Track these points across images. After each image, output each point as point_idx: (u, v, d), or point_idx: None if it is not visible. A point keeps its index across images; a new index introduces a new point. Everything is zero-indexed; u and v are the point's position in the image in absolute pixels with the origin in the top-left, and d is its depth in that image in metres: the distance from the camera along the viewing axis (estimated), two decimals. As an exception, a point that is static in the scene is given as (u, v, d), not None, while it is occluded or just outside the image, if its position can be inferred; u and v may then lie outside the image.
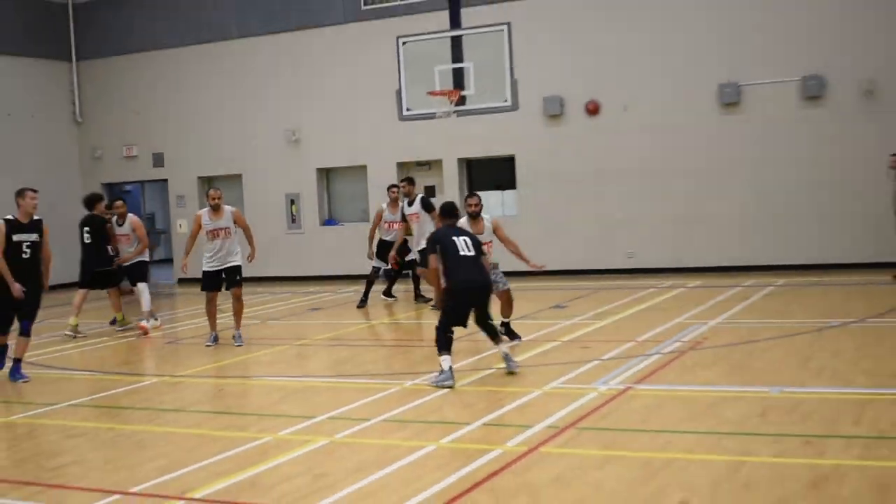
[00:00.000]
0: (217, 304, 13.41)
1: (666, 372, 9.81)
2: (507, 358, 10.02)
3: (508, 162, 21.16)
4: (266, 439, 7.96)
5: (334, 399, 9.38)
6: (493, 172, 21.88)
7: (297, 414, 8.86)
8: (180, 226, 24.11)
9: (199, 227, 13.15)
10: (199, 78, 23.93)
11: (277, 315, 16.64)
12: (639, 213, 19.82)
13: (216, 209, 13.09)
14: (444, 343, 9.78)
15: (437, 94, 15.01)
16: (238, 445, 7.77)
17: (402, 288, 18.09)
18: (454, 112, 15.38)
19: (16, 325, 11.25)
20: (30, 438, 8.67)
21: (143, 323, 14.96)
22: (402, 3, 21.57)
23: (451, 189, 20.87)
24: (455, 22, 16.83)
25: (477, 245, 10.13)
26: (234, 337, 13.18)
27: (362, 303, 16.77)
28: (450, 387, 9.48)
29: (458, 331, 10.09)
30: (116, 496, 6.64)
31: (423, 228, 15.26)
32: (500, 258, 12.24)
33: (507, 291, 11.84)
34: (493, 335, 10.21)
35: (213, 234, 13.05)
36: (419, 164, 21.99)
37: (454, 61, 15.23)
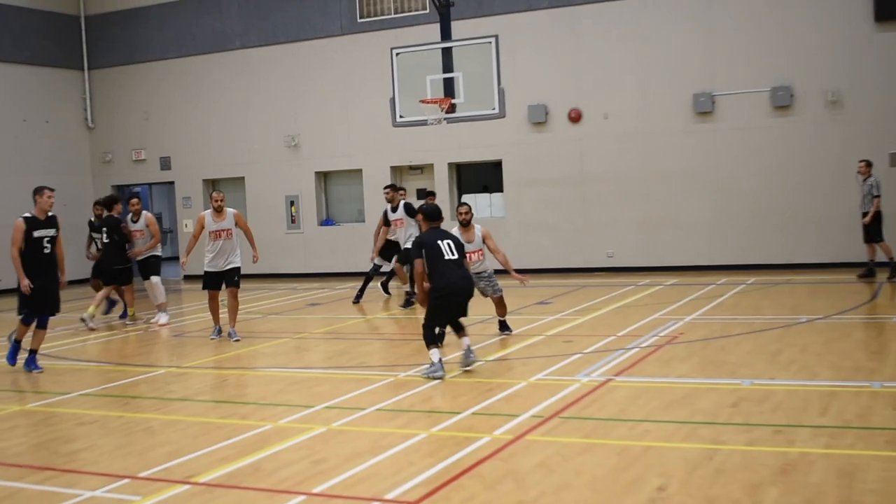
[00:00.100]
0: (219, 301, 13.39)
1: (644, 365, 9.82)
2: (467, 351, 9.88)
3: (496, 166, 21.16)
4: (267, 427, 7.94)
5: (331, 389, 9.37)
6: (482, 176, 21.92)
7: (297, 403, 8.84)
8: (186, 225, 24.04)
9: (202, 227, 13.08)
10: (204, 86, 23.86)
11: (278, 310, 16.60)
12: (618, 215, 19.85)
13: (219, 211, 13.05)
14: (431, 338, 9.75)
15: (428, 101, 14.95)
16: (241, 433, 7.75)
17: (394, 285, 18.06)
18: (444, 119, 15.32)
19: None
20: (44, 426, 8.63)
21: (162, 320, 15.10)
22: (396, 16, 21.59)
23: (441, 192, 20.83)
24: (446, 34, 16.80)
25: (460, 248, 10.04)
26: (229, 334, 13.03)
27: (357, 298, 16.75)
28: (440, 378, 9.47)
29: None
30: (126, 480, 6.62)
31: (408, 232, 15.40)
32: (489, 260, 12.23)
33: (501, 298, 11.94)
34: (459, 329, 10.07)
35: (216, 234, 12.99)
36: (412, 167, 21.98)
37: (445, 71, 15.16)
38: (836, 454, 6.39)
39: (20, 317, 11.23)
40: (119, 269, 15.10)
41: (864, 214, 16.19)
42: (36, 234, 10.96)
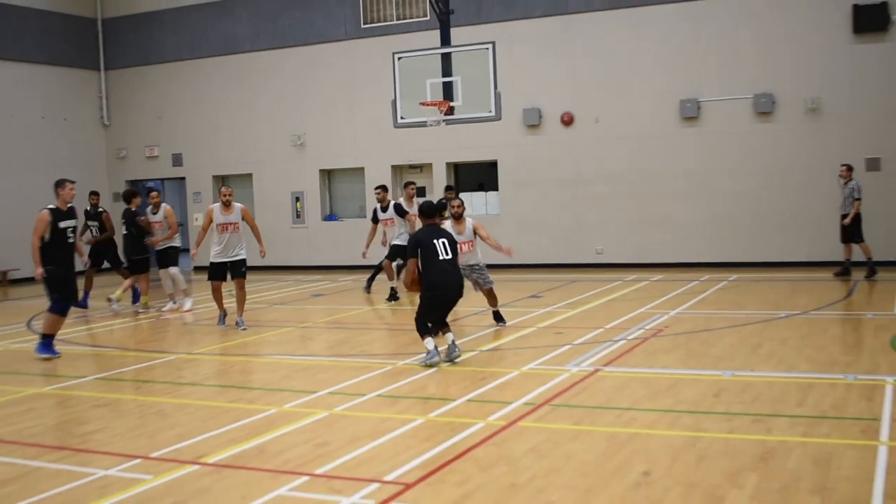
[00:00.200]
0: (222, 291, 13.36)
1: (631, 356, 9.82)
2: (451, 346, 9.80)
3: (492, 166, 21.15)
4: (272, 411, 7.93)
5: (334, 376, 9.36)
6: (478, 175, 21.93)
7: (301, 389, 8.83)
8: (196, 219, 24.01)
9: (211, 220, 13.08)
10: (214, 87, 23.82)
11: (283, 300, 16.58)
12: (607, 213, 19.85)
13: (227, 205, 13.03)
14: (424, 329, 9.74)
15: (428, 104, 14.94)
16: (247, 416, 7.75)
17: (380, 278, 17.98)
18: (443, 121, 15.30)
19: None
20: (61, 408, 8.63)
21: (187, 305, 15.40)
22: (398, 22, 21.56)
23: (440, 190, 20.79)
24: (445, 40, 16.80)
25: (453, 246, 9.96)
26: (237, 323, 13.02)
27: (367, 289, 16.95)
28: (437, 364, 9.47)
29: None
30: (138, 460, 6.61)
31: (398, 230, 15.33)
32: (482, 254, 12.22)
33: (491, 290, 11.97)
34: (444, 325, 10.04)
35: (223, 227, 12.99)
36: (411, 167, 21.96)
37: (444, 75, 15.14)
38: (813, 442, 6.39)
39: (55, 310, 10.97)
40: (136, 259, 15.27)
41: (844, 216, 16.19)
42: (61, 224, 10.94)
